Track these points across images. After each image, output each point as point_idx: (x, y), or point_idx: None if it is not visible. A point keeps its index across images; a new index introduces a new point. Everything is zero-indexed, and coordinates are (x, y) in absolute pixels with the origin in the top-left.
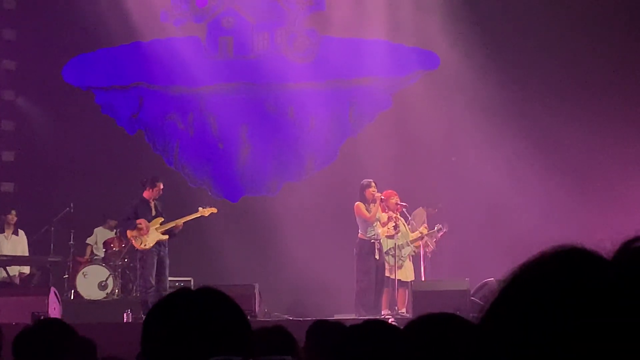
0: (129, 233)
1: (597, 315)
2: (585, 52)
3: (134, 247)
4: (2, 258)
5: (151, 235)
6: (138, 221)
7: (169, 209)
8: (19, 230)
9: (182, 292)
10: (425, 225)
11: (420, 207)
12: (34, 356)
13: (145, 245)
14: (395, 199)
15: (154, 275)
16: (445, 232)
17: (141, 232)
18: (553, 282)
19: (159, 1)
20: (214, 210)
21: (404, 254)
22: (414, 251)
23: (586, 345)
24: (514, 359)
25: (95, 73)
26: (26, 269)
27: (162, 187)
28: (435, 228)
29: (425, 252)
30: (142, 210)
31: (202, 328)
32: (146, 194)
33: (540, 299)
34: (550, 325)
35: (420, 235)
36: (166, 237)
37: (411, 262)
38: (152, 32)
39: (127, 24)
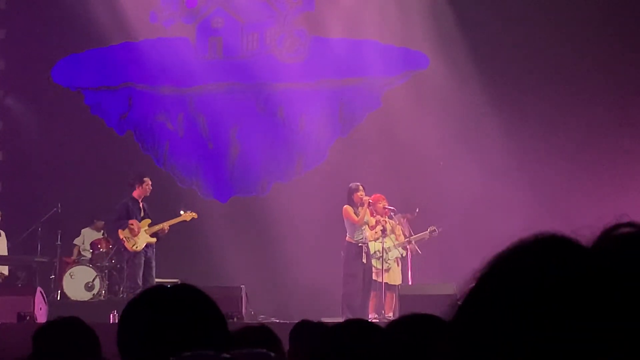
0: (120, 233)
1: (576, 306)
2: (574, 52)
3: (121, 248)
4: None
5: (141, 236)
6: (130, 222)
7: (159, 209)
8: (0, 230)
9: (157, 289)
10: (402, 229)
11: (399, 214)
12: (54, 351)
13: (136, 247)
14: (383, 203)
15: (141, 276)
16: (439, 231)
17: (133, 232)
18: (530, 272)
19: (148, 2)
20: (195, 215)
21: (391, 257)
22: (402, 254)
23: (564, 337)
24: (489, 354)
25: (85, 73)
26: (5, 270)
27: (150, 182)
28: (428, 230)
29: (412, 256)
30: (133, 210)
31: (177, 323)
32: (136, 193)
33: (517, 290)
34: (527, 316)
35: (407, 239)
36: (154, 240)
37: (399, 266)
38: (141, 32)
39: (116, 24)
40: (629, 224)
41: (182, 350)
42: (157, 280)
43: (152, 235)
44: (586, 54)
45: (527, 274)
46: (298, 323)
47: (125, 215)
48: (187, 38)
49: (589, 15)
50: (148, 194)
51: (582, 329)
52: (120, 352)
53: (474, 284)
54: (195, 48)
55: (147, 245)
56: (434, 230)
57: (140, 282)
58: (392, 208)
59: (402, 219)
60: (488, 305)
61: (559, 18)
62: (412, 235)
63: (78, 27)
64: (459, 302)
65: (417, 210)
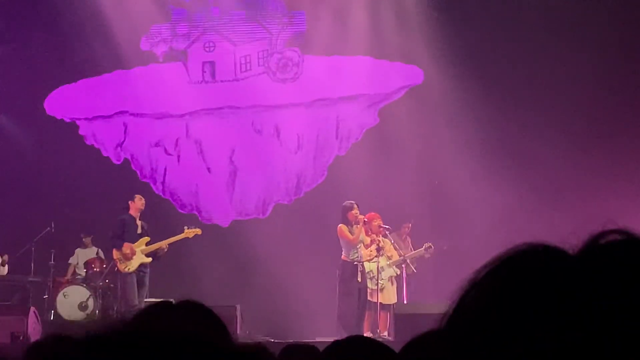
0: (114, 253)
1: (569, 318)
2: (575, 57)
3: (114, 267)
4: None
5: (136, 258)
6: (125, 245)
7: (160, 237)
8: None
9: (163, 305)
10: (401, 244)
11: (394, 233)
12: None
13: (129, 269)
14: (378, 222)
15: (136, 295)
16: (445, 248)
17: (126, 257)
18: (515, 282)
19: (139, 29)
20: (198, 231)
21: (384, 277)
22: (396, 273)
23: (557, 350)
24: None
25: (78, 104)
26: None
27: (140, 197)
28: (424, 247)
29: (407, 275)
30: (130, 227)
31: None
32: (132, 211)
33: (502, 300)
34: (514, 330)
35: (402, 258)
36: (149, 260)
37: (393, 285)
38: (133, 60)
39: (108, 53)
40: (616, 231)
41: None
42: (152, 300)
43: (150, 254)
44: (588, 61)
45: (512, 284)
46: (286, 346)
47: (120, 233)
48: (180, 63)
49: (588, 24)
50: (143, 208)
51: (565, 338)
52: None
53: (462, 293)
54: (189, 73)
55: (142, 265)
56: (430, 247)
57: (136, 301)
58: (387, 227)
59: (403, 235)
60: (476, 314)
61: (555, 26)
62: (411, 249)
63: (70, 57)
64: (449, 311)
65: (410, 225)
